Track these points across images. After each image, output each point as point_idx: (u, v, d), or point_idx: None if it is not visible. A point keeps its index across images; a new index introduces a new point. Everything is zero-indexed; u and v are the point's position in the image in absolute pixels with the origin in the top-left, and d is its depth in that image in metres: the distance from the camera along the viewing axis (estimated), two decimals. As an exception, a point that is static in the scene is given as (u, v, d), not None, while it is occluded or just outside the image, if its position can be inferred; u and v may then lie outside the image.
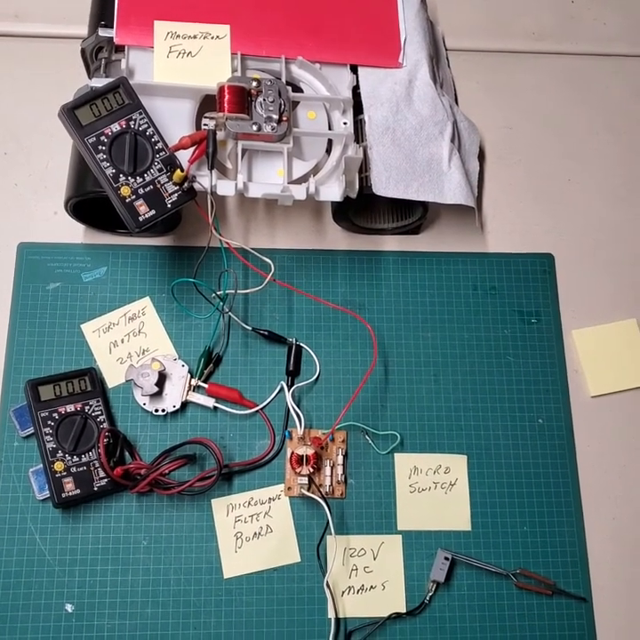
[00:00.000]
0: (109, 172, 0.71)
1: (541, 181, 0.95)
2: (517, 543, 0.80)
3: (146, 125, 0.73)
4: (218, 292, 0.80)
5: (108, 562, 0.76)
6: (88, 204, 0.80)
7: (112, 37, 0.79)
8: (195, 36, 0.80)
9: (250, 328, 0.83)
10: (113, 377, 0.81)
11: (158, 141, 0.73)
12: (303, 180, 0.80)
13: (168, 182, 0.73)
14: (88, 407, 0.77)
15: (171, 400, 0.80)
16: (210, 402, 0.80)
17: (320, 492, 0.78)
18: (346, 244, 0.90)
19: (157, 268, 0.86)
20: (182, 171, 0.72)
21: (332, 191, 0.80)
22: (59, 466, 0.75)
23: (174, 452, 0.77)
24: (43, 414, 0.76)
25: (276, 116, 0.77)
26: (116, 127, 0.72)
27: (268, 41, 0.82)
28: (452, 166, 0.84)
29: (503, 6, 1.04)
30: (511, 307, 0.88)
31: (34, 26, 0.95)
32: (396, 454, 0.82)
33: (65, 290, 0.84)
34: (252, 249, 0.81)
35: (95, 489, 0.75)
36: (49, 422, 0.76)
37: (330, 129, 0.82)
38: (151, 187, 0.72)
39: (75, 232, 0.86)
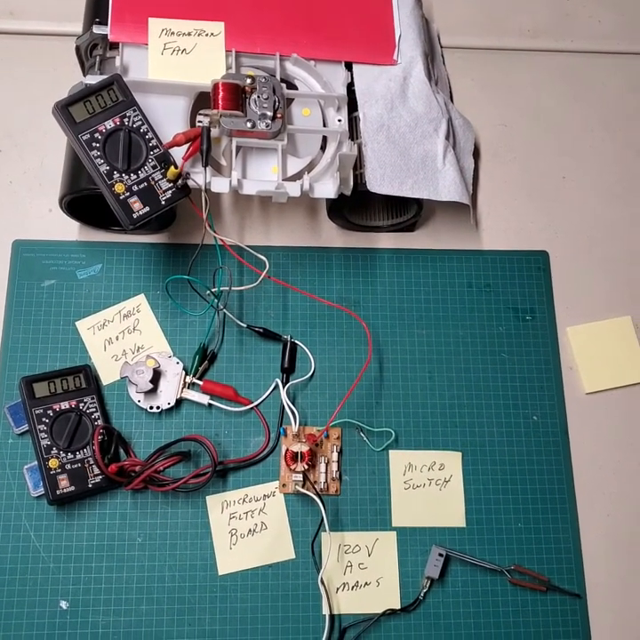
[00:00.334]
0: (103, 169, 0.71)
1: (536, 178, 0.95)
2: (512, 540, 0.80)
3: (140, 122, 0.73)
4: (212, 290, 0.80)
5: (102, 559, 0.76)
6: (83, 202, 0.80)
7: (106, 35, 0.79)
8: (189, 34, 0.80)
9: (245, 325, 0.83)
10: (108, 374, 0.81)
11: (152, 138, 0.73)
12: (298, 177, 0.80)
13: (162, 179, 0.73)
14: (83, 404, 0.77)
15: (165, 397, 0.80)
16: (204, 399, 0.81)
17: (315, 488, 0.78)
18: (341, 241, 0.90)
19: (152, 265, 0.86)
20: (176, 168, 0.72)
21: (327, 188, 0.80)
22: (53, 463, 0.75)
23: (169, 449, 0.77)
24: (37, 411, 0.76)
25: (270, 113, 0.77)
26: (110, 124, 0.72)
27: (262, 38, 0.82)
28: (447, 163, 0.84)
29: (498, 3, 1.04)
30: (506, 304, 0.88)
31: (29, 23, 0.95)
32: (390, 451, 0.82)
33: (60, 287, 0.84)
34: (247, 246, 0.80)
35: (90, 486, 0.75)
36: (43, 419, 0.76)
37: (324, 126, 0.82)
38: (145, 184, 0.72)
39: (69, 229, 0.86)
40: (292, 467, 0.78)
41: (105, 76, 0.74)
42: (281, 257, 0.87)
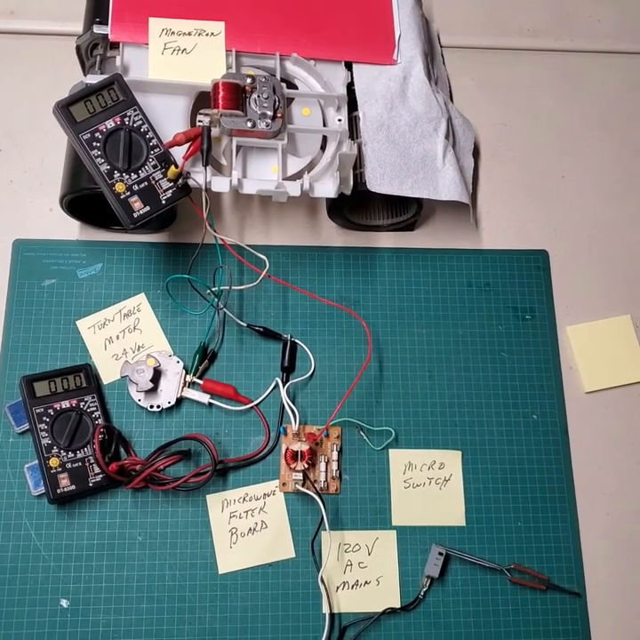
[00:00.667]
0: (104, 168, 0.71)
1: (536, 178, 0.95)
2: (511, 538, 0.80)
3: (140, 122, 0.73)
4: (213, 289, 0.81)
5: (103, 557, 0.76)
6: (83, 201, 0.80)
7: (107, 34, 0.79)
8: (189, 33, 0.80)
9: (245, 324, 0.84)
10: (108, 373, 0.81)
11: (153, 138, 0.73)
12: (298, 176, 0.80)
13: (163, 179, 0.73)
14: (83, 403, 0.77)
15: (166, 396, 0.80)
16: (205, 398, 0.81)
17: (315, 487, 0.78)
18: (340, 240, 0.90)
19: (152, 264, 0.86)
20: (177, 167, 0.72)
21: (327, 188, 0.80)
22: (54, 462, 0.75)
23: (169, 448, 0.77)
24: (38, 410, 0.76)
25: (270, 113, 0.77)
26: (110, 124, 0.72)
27: (262, 38, 0.82)
28: (447, 163, 0.84)
29: (498, 3, 1.04)
30: (505, 303, 0.88)
31: (29, 23, 0.95)
32: (390, 450, 0.82)
33: (60, 286, 0.84)
34: (247, 245, 0.81)
35: (90, 485, 0.75)
36: (44, 418, 0.76)
37: (324, 125, 0.82)
38: (146, 183, 0.72)
39: (70, 229, 0.86)
40: (292, 466, 0.78)
41: (105, 76, 0.74)
42: (281, 256, 0.88)
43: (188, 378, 0.81)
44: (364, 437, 0.82)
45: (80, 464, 0.75)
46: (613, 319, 0.89)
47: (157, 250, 0.86)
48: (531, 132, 0.97)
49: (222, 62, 0.80)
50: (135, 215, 0.71)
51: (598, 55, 1.02)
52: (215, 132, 0.77)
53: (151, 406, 0.80)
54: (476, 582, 0.79)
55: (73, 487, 0.75)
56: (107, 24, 0.79)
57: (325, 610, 0.76)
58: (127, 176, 0.72)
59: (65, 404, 0.77)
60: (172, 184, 0.73)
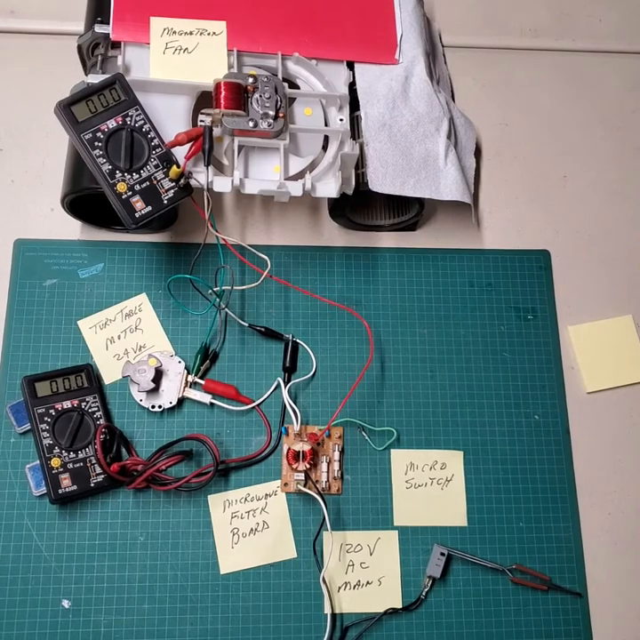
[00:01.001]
0: (106, 168, 0.71)
1: (537, 178, 0.95)
2: (513, 539, 0.80)
3: (142, 122, 0.73)
4: (214, 289, 0.80)
5: (104, 558, 0.76)
6: (84, 201, 0.80)
7: (108, 34, 0.79)
8: (191, 33, 0.80)
9: (246, 324, 0.83)
10: (109, 373, 0.81)
11: (154, 138, 0.73)
12: (299, 176, 0.80)
13: (164, 178, 0.73)
14: (85, 403, 0.77)
15: (167, 396, 0.80)
16: (206, 398, 0.81)
17: (316, 487, 0.78)
18: (342, 240, 0.90)
19: (154, 264, 0.86)
20: (178, 167, 0.72)
21: (329, 187, 0.80)
22: (55, 462, 0.75)
23: (171, 449, 0.77)
24: (39, 410, 0.76)
25: (272, 113, 0.77)
26: (112, 123, 0.72)
27: (264, 37, 0.82)
28: (449, 163, 0.84)
29: (499, 3, 1.04)
30: (507, 303, 0.88)
31: (30, 22, 0.95)
32: (392, 450, 0.82)
33: (61, 286, 0.84)
34: (249, 245, 0.81)
35: (92, 485, 0.75)
36: (46, 418, 0.76)
37: (326, 125, 0.82)
38: (147, 183, 0.72)
39: (71, 228, 0.86)
40: (294, 466, 0.78)
41: (107, 76, 0.74)
42: (283, 256, 0.88)
43: (190, 378, 0.81)
44: (366, 437, 0.82)
45: (81, 464, 0.75)
46: (615, 319, 0.89)
47: (159, 250, 0.86)
48: (532, 132, 0.97)
49: (224, 62, 0.80)
50: (137, 215, 0.71)
51: (599, 55, 1.02)
52: (217, 131, 0.77)
53: (153, 406, 0.80)
54: (477, 582, 0.79)
55: (74, 487, 0.75)
56: (108, 23, 0.79)
57: (327, 610, 0.76)
58: (129, 176, 0.72)
59: (66, 405, 0.77)
60: (173, 184, 0.73)
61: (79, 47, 0.81)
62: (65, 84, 0.80)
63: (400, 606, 0.77)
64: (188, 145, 0.75)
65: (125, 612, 0.75)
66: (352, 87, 0.83)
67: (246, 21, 0.82)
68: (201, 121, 0.76)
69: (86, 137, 0.71)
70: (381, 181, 0.80)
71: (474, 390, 0.85)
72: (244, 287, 0.84)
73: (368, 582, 0.78)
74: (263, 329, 0.84)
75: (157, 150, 0.73)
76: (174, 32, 0.80)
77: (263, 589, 0.77)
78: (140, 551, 0.77)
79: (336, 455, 0.80)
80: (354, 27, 0.85)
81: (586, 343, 0.88)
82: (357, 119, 0.83)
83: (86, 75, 0.81)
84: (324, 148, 0.82)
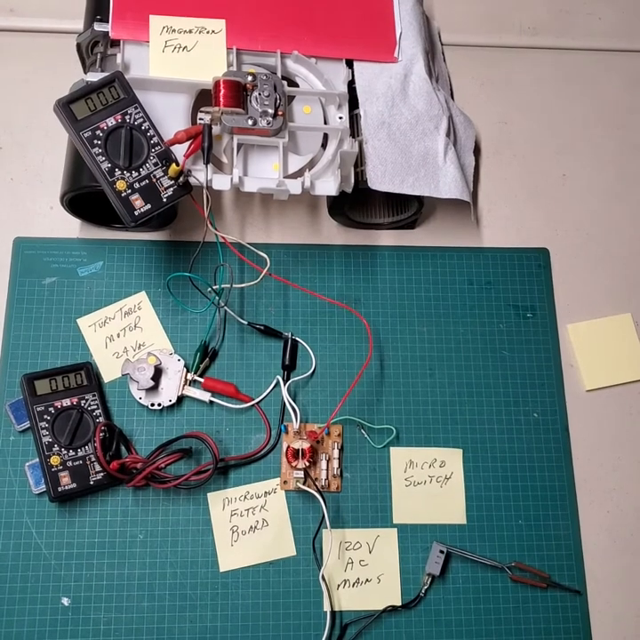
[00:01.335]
0: (105, 166, 0.71)
1: (536, 176, 0.95)
2: (512, 536, 0.80)
3: (141, 120, 0.73)
4: (214, 287, 0.80)
5: (104, 555, 0.76)
6: (84, 199, 0.80)
7: (108, 32, 0.79)
8: (190, 31, 0.80)
9: (245, 322, 0.83)
10: (109, 371, 0.81)
11: (154, 136, 0.73)
12: (299, 174, 0.80)
13: (164, 177, 0.73)
14: (84, 401, 0.77)
15: (167, 394, 0.80)
16: (206, 396, 0.81)
17: (316, 485, 0.78)
18: (341, 238, 0.90)
19: (153, 262, 0.86)
20: (178, 165, 0.72)
21: (328, 185, 0.80)
22: (55, 460, 0.75)
23: (170, 446, 0.77)
24: (39, 409, 0.76)
25: (271, 111, 0.77)
26: (111, 121, 0.72)
27: (263, 35, 0.82)
28: (448, 161, 0.84)
29: (498, 1, 1.04)
30: (506, 301, 0.88)
31: (29, 20, 0.95)
32: (391, 448, 0.82)
33: (61, 284, 0.84)
34: (248, 243, 0.80)
35: (91, 483, 0.75)
36: (45, 416, 0.76)
37: (325, 123, 0.82)
38: (147, 181, 0.72)
39: (71, 227, 0.86)
40: (293, 464, 0.78)
41: (106, 74, 0.74)
42: (282, 254, 0.88)
43: (189, 376, 0.81)
44: (365, 435, 0.82)
45: (81, 462, 0.75)
46: (614, 317, 0.89)
47: (158, 248, 0.86)
48: (531, 130, 0.97)
49: (223, 60, 0.80)
50: (136, 213, 0.71)
51: (598, 53, 1.02)
52: (216, 129, 0.77)
53: (152, 404, 0.80)
54: (476, 580, 0.79)
55: (74, 485, 0.75)
56: (107, 21, 0.79)
57: (326, 608, 0.76)
58: (128, 174, 0.72)
59: (66, 403, 0.77)
60: (172, 182, 0.73)
61: (78, 45, 0.81)
62: (64, 82, 0.80)
63: (399, 604, 0.77)
64: (188, 143, 0.74)
65: (125, 609, 0.75)
66: (351, 85, 0.83)
67: (245, 20, 0.82)
68: (200, 119, 0.76)
69: (85, 135, 0.71)
70: (380, 179, 0.80)
71: (473, 388, 0.85)
72: (243, 285, 0.84)
73: (367, 580, 0.78)
74: (262, 327, 0.84)
75: (157, 148, 0.73)
76: (173, 30, 0.80)
77: (263, 587, 0.77)
78: (139, 549, 0.77)
79: (335, 453, 0.80)
80: (353, 25, 0.85)
81: (585, 341, 0.88)
82: (356, 117, 0.83)
83: (85, 73, 0.81)
84: (324, 146, 0.82)
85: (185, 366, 0.81)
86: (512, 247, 0.91)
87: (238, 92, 0.76)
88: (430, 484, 0.81)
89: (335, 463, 0.80)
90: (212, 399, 0.81)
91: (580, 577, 0.80)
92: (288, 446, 0.79)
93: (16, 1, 0.96)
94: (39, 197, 0.88)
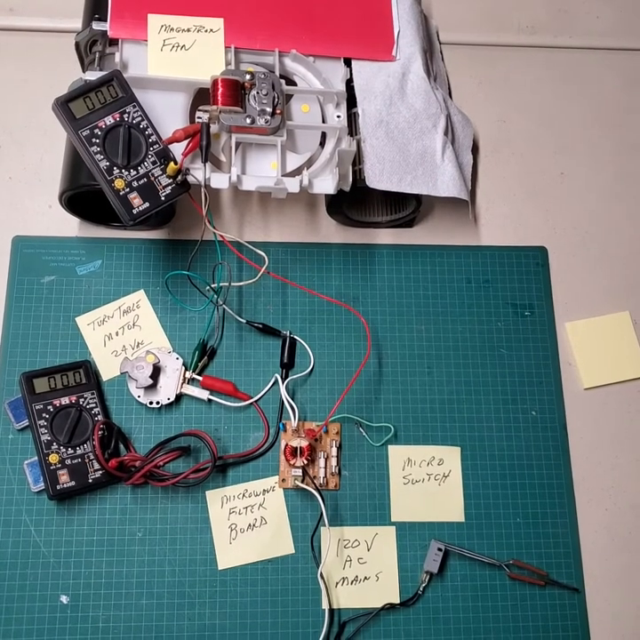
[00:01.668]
0: (103, 164, 0.71)
1: (535, 174, 0.95)
2: (510, 534, 0.81)
3: (139, 118, 0.73)
4: (212, 285, 0.81)
5: (102, 553, 0.76)
6: (82, 198, 0.80)
7: (106, 31, 0.79)
8: (188, 30, 0.80)
9: (244, 321, 0.84)
10: (107, 370, 0.82)
11: (152, 134, 0.73)
12: (297, 172, 0.80)
13: (162, 175, 0.73)
14: (83, 400, 0.77)
15: (165, 392, 0.80)
16: (204, 394, 0.81)
17: (314, 483, 0.78)
18: (340, 237, 0.90)
19: (152, 260, 0.86)
20: (176, 163, 0.72)
21: (326, 184, 0.80)
22: (53, 458, 0.75)
23: (169, 445, 0.77)
24: (37, 407, 0.76)
25: (269, 109, 0.77)
26: (109, 120, 0.72)
27: (261, 34, 0.82)
28: (446, 159, 0.84)
29: (497, 0, 1.04)
30: (505, 299, 0.89)
31: (28, 19, 0.95)
32: (389, 446, 0.82)
33: (59, 283, 0.84)
34: (246, 242, 0.81)
35: (90, 481, 0.75)
36: (44, 415, 0.76)
37: (323, 122, 0.82)
38: (145, 179, 0.72)
39: (69, 225, 0.87)
40: (292, 462, 0.78)
41: (104, 73, 0.74)
42: (280, 253, 0.88)
43: (188, 374, 0.81)
44: (364, 433, 0.82)
45: (80, 460, 0.75)
46: (612, 316, 0.90)
47: (157, 246, 0.86)
48: (529, 129, 0.97)
49: (221, 59, 0.80)
50: (134, 211, 0.71)
51: (597, 52, 1.02)
52: (214, 128, 0.77)
53: (151, 403, 0.80)
54: (474, 578, 0.79)
55: (72, 483, 0.75)
56: (106, 20, 0.79)
57: (325, 605, 0.76)
58: (126, 172, 0.72)
59: (64, 401, 0.77)
60: (171, 180, 0.73)
61: (77, 44, 0.81)
62: (63, 81, 0.81)
63: (398, 601, 0.77)
64: (186, 141, 0.75)
65: (123, 607, 0.75)
66: (349, 84, 0.83)
67: (244, 18, 0.82)
68: (198, 118, 0.76)
69: (84, 134, 0.71)
70: (378, 178, 0.81)
71: (471, 386, 0.85)
72: (241, 283, 0.84)
73: (366, 578, 0.78)
74: (261, 325, 0.84)
75: (155, 147, 0.73)
76: (172, 29, 0.80)
77: (261, 585, 0.77)
78: (138, 547, 0.77)
79: (334, 451, 0.80)
80: (351, 24, 0.85)
81: (583, 339, 0.88)
82: (354, 116, 0.83)
83: (84, 72, 0.81)
84: (322, 144, 0.82)
85: (183, 364, 0.81)
86: (510, 245, 0.91)
87: (236, 91, 0.76)
88: (428, 482, 0.81)
89: (333, 461, 0.80)
90: (211, 397, 0.81)
91: (577, 575, 0.80)
92: (286, 444, 0.79)
93: (16, 0, 0.96)
94: (38, 196, 0.88)
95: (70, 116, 0.72)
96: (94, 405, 0.78)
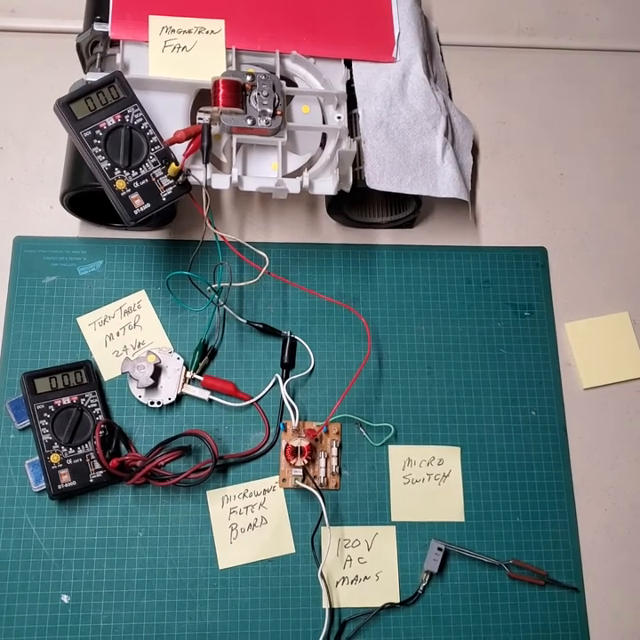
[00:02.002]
0: (105, 165, 0.72)
1: (534, 175, 0.96)
2: (510, 534, 0.81)
3: (141, 119, 0.73)
4: (213, 286, 0.81)
5: (103, 553, 0.77)
6: (84, 198, 0.80)
7: (107, 32, 0.79)
8: (189, 31, 0.80)
9: (245, 321, 0.84)
10: (109, 370, 0.82)
11: (153, 135, 0.73)
12: (297, 173, 0.80)
13: (163, 176, 0.73)
14: (84, 400, 0.78)
15: (166, 392, 0.80)
16: (205, 394, 0.81)
17: (314, 483, 0.79)
18: (340, 237, 0.90)
19: (153, 261, 0.86)
20: (177, 164, 0.72)
21: (326, 185, 0.80)
22: (55, 458, 0.75)
23: (170, 444, 0.77)
24: (39, 407, 0.76)
25: (270, 110, 0.77)
26: (111, 121, 0.73)
27: (262, 36, 0.82)
28: (446, 160, 0.84)
29: (496, 1, 1.04)
30: (504, 300, 0.89)
31: (30, 21, 0.95)
32: (389, 446, 0.82)
33: (61, 283, 0.84)
34: (247, 242, 0.81)
35: (91, 481, 0.76)
36: (45, 415, 0.76)
37: (324, 123, 0.83)
38: (146, 180, 0.73)
39: (70, 226, 0.87)
40: (292, 461, 0.78)
41: (106, 74, 0.75)
42: (281, 253, 0.88)
43: (189, 374, 0.81)
44: (364, 433, 0.82)
45: (81, 460, 0.76)
46: (611, 316, 0.90)
47: (158, 247, 0.87)
48: (529, 130, 0.98)
49: (222, 60, 0.80)
50: (136, 212, 0.72)
51: (596, 53, 1.03)
52: (215, 129, 0.77)
53: (151, 403, 0.80)
54: (474, 577, 0.79)
55: (74, 483, 0.75)
56: (107, 22, 0.79)
57: (325, 605, 0.77)
58: (128, 173, 0.72)
59: (66, 401, 0.77)
60: (172, 181, 0.73)
61: (78, 45, 0.81)
62: (64, 82, 0.81)
63: (398, 601, 0.78)
64: (187, 142, 0.75)
65: (124, 606, 0.76)
66: (350, 85, 0.84)
67: (244, 20, 0.82)
68: (199, 119, 0.76)
69: (85, 134, 0.72)
70: (379, 179, 0.81)
71: (471, 386, 0.85)
72: (242, 284, 0.84)
73: (366, 577, 0.78)
74: (261, 325, 0.84)
75: (156, 148, 0.73)
76: (173, 30, 0.80)
77: (261, 584, 0.77)
78: (138, 546, 0.77)
79: (334, 451, 0.81)
80: (352, 25, 0.85)
81: (582, 340, 0.88)
82: (355, 117, 0.83)
83: (85, 73, 0.81)
84: (322, 145, 0.83)
85: (184, 365, 0.81)
86: (510, 246, 0.91)
87: (237, 92, 0.76)
88: (428, 481, 0.81)
89: (334, 461, 0.80)
90: (212, 397, 0.81)
91: (577, 574, 0.80)
92: (287, 444, 0.79)
93: (17, 2, 0.96)
94: (39, 197, 0.88)
95: (72, 117, 0.72)
96: (95, 405, 0.78)
